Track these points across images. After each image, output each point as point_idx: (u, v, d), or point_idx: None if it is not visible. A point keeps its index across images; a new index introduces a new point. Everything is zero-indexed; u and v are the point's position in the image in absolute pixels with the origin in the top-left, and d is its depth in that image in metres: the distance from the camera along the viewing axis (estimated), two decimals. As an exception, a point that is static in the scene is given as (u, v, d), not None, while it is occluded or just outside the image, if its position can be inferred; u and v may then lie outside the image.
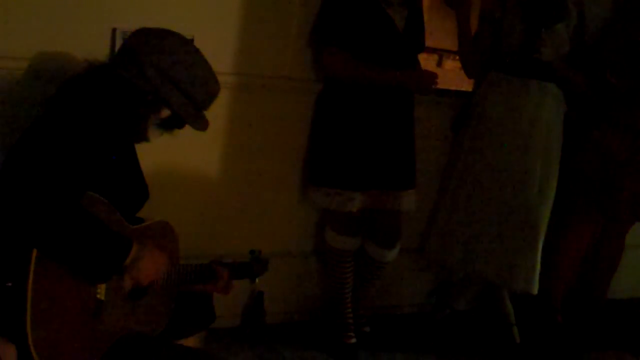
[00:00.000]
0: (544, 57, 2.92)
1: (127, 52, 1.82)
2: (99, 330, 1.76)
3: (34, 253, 1.59)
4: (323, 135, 2.85)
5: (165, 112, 1.86)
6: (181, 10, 2.44)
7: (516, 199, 3.02)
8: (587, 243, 3.32)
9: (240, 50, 2.68)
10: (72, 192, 1.62)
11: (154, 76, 1.78)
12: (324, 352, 2.98)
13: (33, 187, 1.56)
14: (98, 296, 1.75)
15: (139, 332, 1.87)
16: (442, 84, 2.96)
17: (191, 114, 1.86)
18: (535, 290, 3.09)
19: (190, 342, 2.05)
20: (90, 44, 2.14)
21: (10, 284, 1.59)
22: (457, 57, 3.28)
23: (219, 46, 2.52)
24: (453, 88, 3.42)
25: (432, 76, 2.80)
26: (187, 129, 1.92)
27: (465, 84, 3.36)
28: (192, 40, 1.96)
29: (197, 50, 1.87)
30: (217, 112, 2.41)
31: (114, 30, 2.35)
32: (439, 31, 3.86)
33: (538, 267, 3.08)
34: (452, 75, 3.78)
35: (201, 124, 1.90)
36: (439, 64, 4.45)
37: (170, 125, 1.89)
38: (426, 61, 3.64)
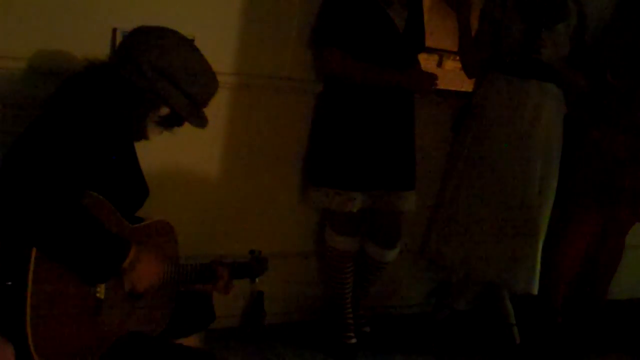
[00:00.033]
0: (544, 57, 2.92)
1: (125, 50, 1.82)
2: (98, 329, 1.76)
3: (34, 252, 1.59)
4: (323, 136, 2.85)
5: (164, 110, 1.86)
6: (182, 11, 2.44)
7: (516, 199, 3.02)
8: (587, 243, 3.32)
9: (240, 50, 2.69)
10: (72, 191, 1.62)
11: (152, 74, 1.78)
12: (324, 352, 2.98)
13: (32, 186, 1.56)
14: (98, 295, 1.75)
15: (139, 332, 1.87)
16: (442, 84, 2.96)
17: (190, 111, 1.86)
18: (535, 291, 3.09)
19: (190, 341, 2.05)
20: (91, 45, 2.14)
21: (10, 283, 1.60)
22: (457, 58, 3.29)
23: (219, 46, 2.53)
24: (453, 88, 3.42)
25: (432, 77, 2.80)
26: (188, 128, 1.92)
27: (465, 84, 3.36)
28: (192, 41, 1.96)
29: (195, 48, 1.87)
30: (217, 112, 2.42)
31: (114, 31, 2.35)
32: (439, 31, 3.85)
33: (538, 267, 3.08)
34: (452, 76, 3.77)
35: (200, 121, 1.90)
36: (439, 64, 4.44)
37: (169, 123, 1.89)
38: (426, 61, 3.64)
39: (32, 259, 1.59)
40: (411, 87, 2.80)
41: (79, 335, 1.71)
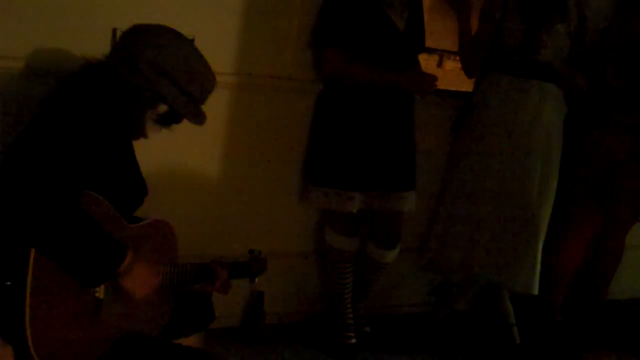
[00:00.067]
0: (544, 57, 2.92)
1: (123, 48, 1.83)
2: (98, 329, 1.76)
3: (33, 252, 1.59)
4: (323, 136, 2.85)
5: (162, 108, 1.86)
6: (182, 11, 2.44)
7: (516, 199, 3.02)
8: (587, 243, 3.32)
9: (240, 50, 2.69)
10: (70, 191, 1.62)
11: (150, 72, 1.78)
12: (324, 352, 2.98)
13: (30, 186, 1.56)
14: (97, 295, 1.74)
15: (138, 332, 1.87)
16: (442, 84, 2.97)
17: (188, 108, 1.86)
18: (535, 291, 3.09)
19: (190, 341, 2.04)
20: (91, 44, 2.13)
21: (9, 283, 1.60)
22: (458, 58, 3.28)
23: (219, 46, 2.53)
24: (453, 88, 3.42)
25: (432, 78, 2.81)
26: (187, 127, 1.92)
27: (465, 84, 3.36)
28: (192, 40, 1.96)
29: (192, 45, 1.87)
30: (217, 112, 2.42)
31: (114, 30, 2.35)
32: (439, 31, 3.85)
33: (538, 267, 3.08)
34: (452, 76, 3.78)
35: (199, 118, 1.90)
36: (439, 64, 4.43)
37: (167, 120, 1.89)
38: (426, 61, 3.64)
39: (31, 259, 1.58)
40: (411, 88, 2.80)
41: (78, 336, 1.71)
